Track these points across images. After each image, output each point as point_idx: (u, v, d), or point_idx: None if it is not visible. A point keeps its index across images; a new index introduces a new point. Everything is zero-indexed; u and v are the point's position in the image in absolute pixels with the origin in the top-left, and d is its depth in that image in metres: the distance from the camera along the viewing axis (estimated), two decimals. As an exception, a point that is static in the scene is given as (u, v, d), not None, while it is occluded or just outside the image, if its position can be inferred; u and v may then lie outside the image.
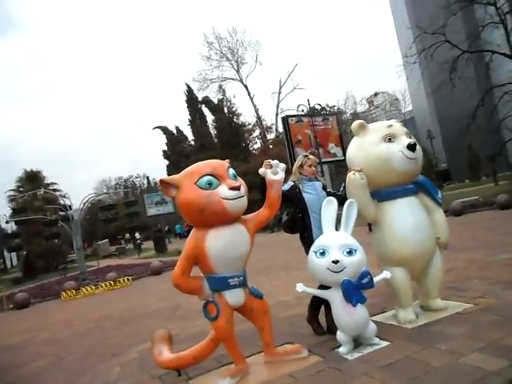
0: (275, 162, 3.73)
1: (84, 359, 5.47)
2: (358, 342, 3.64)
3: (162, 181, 3.42)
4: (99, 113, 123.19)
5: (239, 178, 3.52)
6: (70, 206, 18.61)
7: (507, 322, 3.55)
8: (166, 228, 41.52)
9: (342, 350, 3.57)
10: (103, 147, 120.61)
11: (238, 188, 3.33)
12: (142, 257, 26.14)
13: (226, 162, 3.56)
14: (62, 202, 21.55)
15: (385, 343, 3.61)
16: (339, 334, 3.60)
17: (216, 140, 43.30)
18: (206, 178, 3.28)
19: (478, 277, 5.58)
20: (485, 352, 3.07)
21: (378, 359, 3.30)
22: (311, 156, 4.28)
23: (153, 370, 3.99)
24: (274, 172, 3.69)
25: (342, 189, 4.22)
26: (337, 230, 3.77)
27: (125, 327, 6.98)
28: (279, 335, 4.07)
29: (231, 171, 3.47)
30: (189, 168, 3.50)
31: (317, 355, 3.64)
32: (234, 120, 42.68)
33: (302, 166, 4.20)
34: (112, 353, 5.43)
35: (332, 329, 3.88)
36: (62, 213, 20.77)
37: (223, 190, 3.28)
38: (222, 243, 3.35)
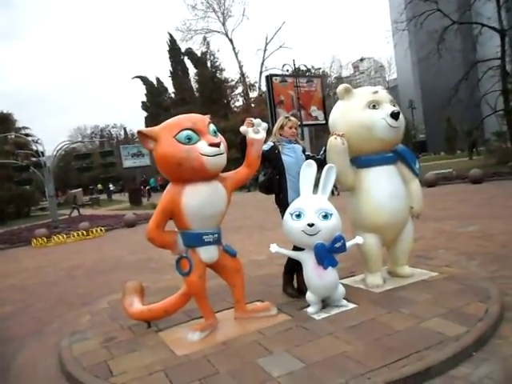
0: (257, 120, 3.66)
1: (53, 307, 5.48)
2: (325, 303, 3.74)
3: (139, 132, 3.31)
4: (77, 57, 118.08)
5: (219, 135, 3.44)
6: (42, 153, 18.00)
7: (469, 291, 3.71)
8: (142, 178, 40.95)
9: (310, 310, 3.66)
10: (79, 93, 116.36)
11: (217, 145, 3.26)
12: (117, 208, 25.88)
13: (207, 118, 3.46)
14: (34, 147, 20.84)
15: (352, 305, 3.73)
16: (308, 295, 3.69)
17: (197, 94, 42.21)
18: (185, 133, 3.19)
19: (445, 247, 5.78)
20: (445, 318, 3.20)
21: (344, 320, 3.41)
22: (292, 118, 4.19)
23: (123, 320, 4.02)
24: (255, 131, 3.62)
25: (322, 152, 4.19)
26: (313, 193, 3.77)
27: (96, 277, 6.99)
28: (250, 293, 4.14)
29: (212, 127, 3.38)
30: (168, 121, 3.38)
31: (285, 314, 3.73)
32: (217, 75, 41.53)
33: (282, 127, 4.11)
34: (82, 302, 5.44)
35: (302, 289, 3.96)
36: (33, 159, 20.15)
37: (203, 146, 3.21)
38: (199, 200, 3.31)
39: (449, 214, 8.56)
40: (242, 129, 3.63)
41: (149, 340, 3.53)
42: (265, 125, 3.67)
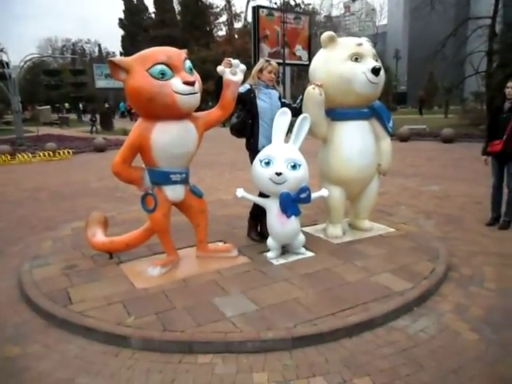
0: (236, 61, 3.53)
1: (15, 228, 5.44)
2: (285, 250, 3.88)
3: (110, 61, 3.14)
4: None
5: (195, 73, 3.31)
6: (7, 63, 16.86)
7: (420, 250, 3.92)
8: (107, 105, 39.22)
9: (269, 254, 3.80)
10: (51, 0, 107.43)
11: (192, 83, 3.15)
12: (86, 130, 25.05)
13: (184, 53, 3.30)
14: (-2, 56, 19.41)
15: (310, 254, 3.88)
16: (269, 240, 3.81)
17: (179, 17, 39.87)
18: (159, 67, 3.06)
19: (407, 204, 6.00)
20: (395, 274, 3.40)
21: (301, 267, 3.57)
22: (273, 62, 4.05)
23: (85, 248, 4.05)
24: (232, 72, 3.51)
25: (298, 101, 4.13)
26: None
27: (61, 202, 6.92)
28: (214, 233, 4.23)
29: (188, 63, 3.24)
30: (142, 52, 3.22)
31: (245, 256, 3.86)
32: (202, -1, 39.19)
33: (261, 70, 3.97)
34: (45, 226, 5.43)
35: (264, 234, 4.06)
36: (-2, 69, 18.87)
37: (176, 83, 3.10)
38: (168, 138, 3.25)
39: (416, 171, 8.78)
40: (219, 69, 3.50)
41: (109, 271, 3.60)
42: (243, 67, 3.55)
